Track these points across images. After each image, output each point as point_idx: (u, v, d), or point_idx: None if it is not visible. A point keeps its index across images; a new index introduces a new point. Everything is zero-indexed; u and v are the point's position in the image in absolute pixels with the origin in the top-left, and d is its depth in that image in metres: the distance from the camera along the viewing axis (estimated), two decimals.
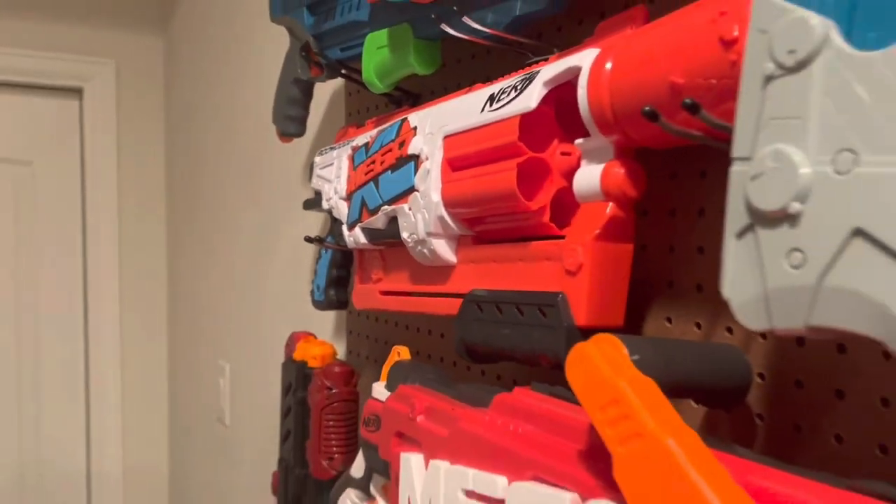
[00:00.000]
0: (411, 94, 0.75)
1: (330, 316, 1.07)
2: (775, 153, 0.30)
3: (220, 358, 1.59)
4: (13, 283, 1.95)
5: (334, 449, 0.78)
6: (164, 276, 2.06)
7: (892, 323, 0.27)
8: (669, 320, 0.49)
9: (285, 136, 0.85)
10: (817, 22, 0.29)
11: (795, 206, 0.30)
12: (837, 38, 0.29)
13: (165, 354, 2.06)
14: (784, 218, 0.30)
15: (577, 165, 0.49)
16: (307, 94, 0.83)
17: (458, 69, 0.70)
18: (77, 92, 1.97)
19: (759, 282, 0.31)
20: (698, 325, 0.48)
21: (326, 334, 1.06)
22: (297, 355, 0.84)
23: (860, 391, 0.39)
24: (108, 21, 1.98)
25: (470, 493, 0.48)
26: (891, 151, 0.27)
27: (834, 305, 0.29)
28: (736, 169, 0.32)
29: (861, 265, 0.28)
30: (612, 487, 0.37)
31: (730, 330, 0.45)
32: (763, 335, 0.44)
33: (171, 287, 2.03)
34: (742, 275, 0.32)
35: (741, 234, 0.32)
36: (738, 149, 0.32)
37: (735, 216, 0.32)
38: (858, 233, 0.28)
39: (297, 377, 0.83)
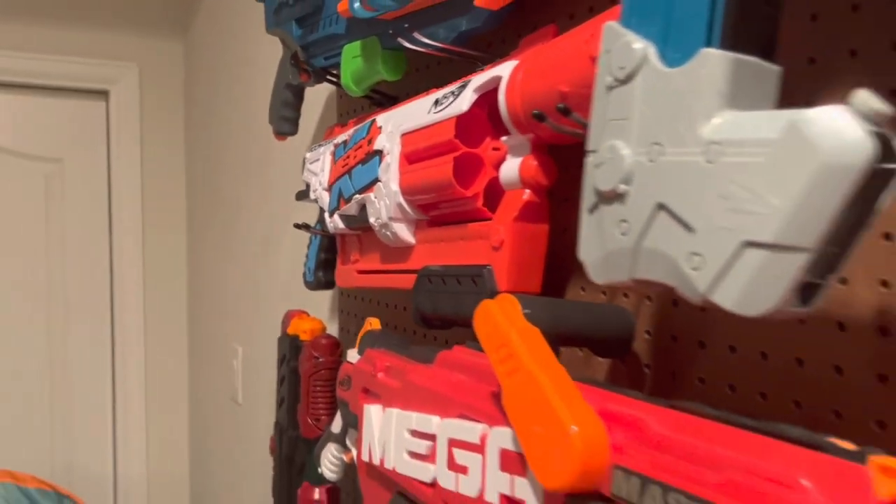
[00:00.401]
0: (389, 97, 0.83)
1: (326, 298, 1.16)
2: (610, 147, 0.39)
3: (234, 341, 1.69)
4: (45, 271, 2.07)
5: (321, 411, 0.87)
6: (184, 266, 2.17)
7: (680, 274, 0.35)
8: (583, 289, 0.58)
9: (280, 134, 0.94)
10: (639, 45, 0.38)
11: (622, 188, 0.38)
12: (654, 58, 0.37)
13: (186, 339, 2.17)
14: (615, 197, 0.39)
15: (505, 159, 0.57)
16: (298, 97, 0.92)
17: (428, 74, 0.79)
18: (103, 94, 2.08)
19: (600, 246, 0.40)
20: (604, 293, 0.56)
21: (323, 314, 1.16)
22: (291, 330, 0.94)
23: (715, 342, 0.48)
24: (132, 27, 2.08)
25: (413, 432, 0.57)
26: (682, 144, 0.35)
27: (647, 262, 0.37)
28: (588, 160, 0.41)
29: (662, 231, 0.36)
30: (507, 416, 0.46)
31: (626, 295, 0.54)
32: (649, 297, 0.52)
33: (190, 276, 2.14)
34: (590, 241, 0.41)
35: (591, 211, 0.41)
36: (589, 144, 0.41)
37: (587, 196, 0.41)
38: (661, 207, 0.36)
39: (290, 349, 0.92)
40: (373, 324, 0.76)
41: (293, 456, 0.92)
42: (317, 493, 0.88)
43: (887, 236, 0.39)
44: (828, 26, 0.42)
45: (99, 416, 2.14)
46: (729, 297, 0.33)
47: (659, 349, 0.52)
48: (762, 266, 0.32)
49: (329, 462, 0.80)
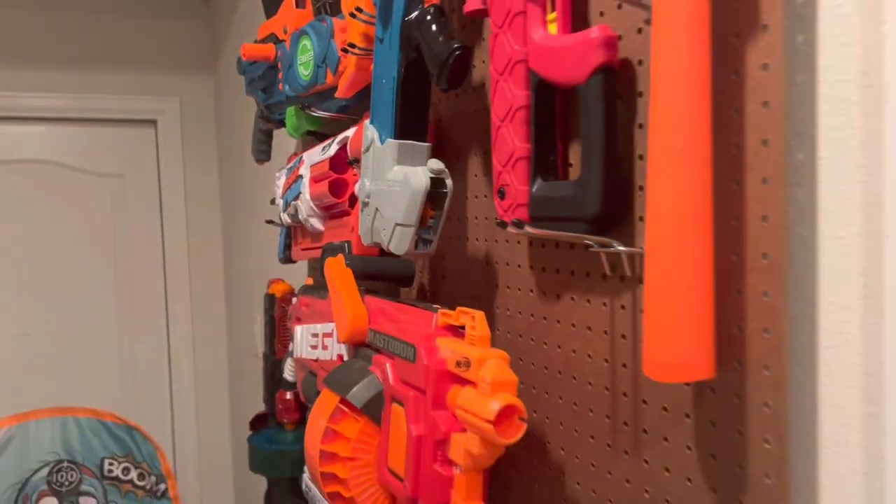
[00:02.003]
0: (320, 135, 1.23)
1: (304, 272, 1.57)
2: (363, 182, 0.79)
3: (255, 312, 2.12)
4: (113, 261, 2.52)
5: (286, 340, 1.28)
6: (220, 258, 2.60)
7: (381, 238, 0.75)
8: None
9: (259, 161, 1.35)
10: (371, 132, 0.77)
11: (366, 199, 0.78)
12: (377, 139, 0.77)
13: (223, 311, 2.61)
14: (366, 204, 0.78)
15: None
16: (269, 136, 1.33)
17: (342, 125, 1.19)
18: (153, 123, 2.51)
19: (364, 225, 0.80)
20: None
21: (300, 280, 1.57)
22: (270, 291, 1.35)
23: (454, 273, 0.87)
24: (173, 69, 2.51)
25: (312, 335, 0.98)
26: (382, 180, 0.75)
27: (374, 233, 0.77)
28: (364, 186, 0.81)
29: (377, 220, 0.76)
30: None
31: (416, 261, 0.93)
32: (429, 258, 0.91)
33: (226, 265, 2.57)
34: (363, 224, 0.80)
35: (362, 210, 0.80)
36: (364, 178, 0.81)
37: (360, 203, 0.81)
38: (377, 209, 0.76)
39: (268, 303, 1.33)
40: (308, 282, 1.17)
41: (273, 372, 1.34)
42: (288, 395, 1.29)
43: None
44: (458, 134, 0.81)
45: (158, 370, 2.58)
46: (394, 247, 0.73)
47: (431, 282, 0.91)
48: (401, 233, 0.71)
49: (289, 369, 1.21)
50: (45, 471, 2.01)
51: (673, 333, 0.45)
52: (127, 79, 2.46)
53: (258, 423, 1.40)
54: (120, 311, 2.53)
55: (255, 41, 1.24)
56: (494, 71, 0.63)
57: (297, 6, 1.12)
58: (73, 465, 2.04)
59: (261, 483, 2.12)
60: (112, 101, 2.45)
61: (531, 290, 0.69)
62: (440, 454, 0.64)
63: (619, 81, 0.54)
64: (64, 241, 2.46)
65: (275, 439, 1.31)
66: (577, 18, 0.58)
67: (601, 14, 0.57)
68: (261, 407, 2.05)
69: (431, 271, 0.92)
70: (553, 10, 0.58)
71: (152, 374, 2.57)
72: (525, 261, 0.70)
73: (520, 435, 0.57)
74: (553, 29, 0.58)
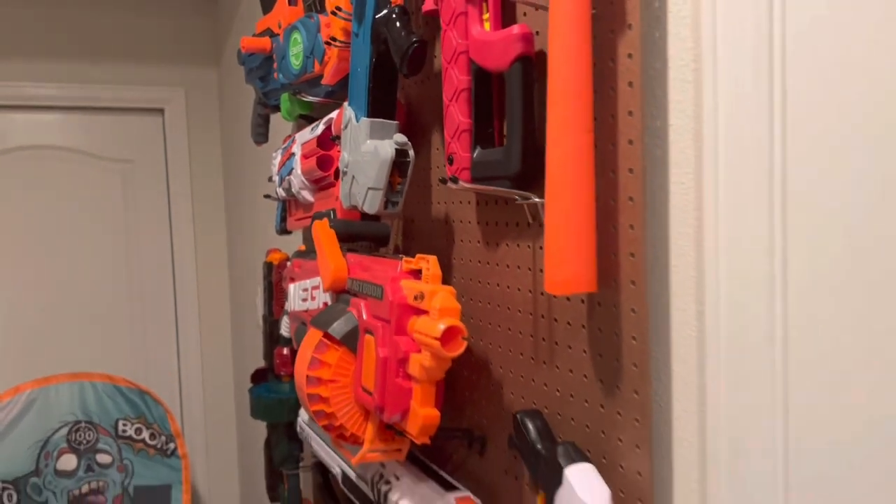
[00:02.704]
0: (310, 118, 1.36)
1: (299, 241, 1.70)
2: (343, 155, 0.92)
3: (257, 285, 2.25)
4: (124, 240, 2.65)
5: (283, 301, 1.42)
6: (224, 235, 2.73)
7: (357, 201, 0.88)
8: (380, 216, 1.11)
9: (257, 143, 1.49)
10: (349, 112, 0.91)
11: (345, 169, 0.91)
12: (353, 119, 0.90)
13: (227, 284, 2.74)
14: (346, 171, 0.92)
15: None
16: (266, 120, 1.46)
17: (329, 109, 1.32)
18: (160, 111, 2.64)
19: (343, 190, 0.93)
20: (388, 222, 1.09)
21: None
22: (268, 259, 1.48)
23: (421, 238, 1.00)
24: (179, 62, 2.64)
25: (304, 290, 1.12)
26: (357, 153, 0.88)
27: (353, 197, 0.90)
28: (344, 158, 0.94)
29: (354, 185, 0.89)
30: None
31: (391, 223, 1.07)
32: (402, 220, 1.05)
33: (229, 240, 2.70)
34: (342, 190, 0.94)
35: (342, 178, 0.94)
36: (344, 151, 0.94)
37: (341, 171, 0.94)
38: (353, 176, 0.89)
39: (267, 270, 1.47)
40: (301, 248, 1.30)
41: (272, 331, 1.47)
42: (285, 350, 1.43)
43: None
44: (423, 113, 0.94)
45: (166, 338, 2.72)
46: (367, 207, 0.86)
47: (404, 241, 1.05)
48: (372, 196, 0.85)
49: (284, 326, 1.35)
50: (65, 430, 2.16)
51: (565, 258, 0.58)
52: (136, 70, 2.58)
53: (258, 376, 1.54)
54: (131, 285, 2.67)
55: (255, 34, 1.37)
56: (444, 60, 0.76)
57: (290, 4, 1.25)
58: (90, 426, 2.18)
59: (260, 439, 2.27)
60: (123, 91, 2.57)
61: (478, 241, 0.83)
62: (401, 371, 0.78)
63: (535, 68, 0.67)
64: (78, 221, 2.59)
65: (273, 389, 1.45)
66: (506, 18, 0.71)
67: (524, 14, 0.70)
68: (262, 365, 2.19)
69: (404, 232, 1.05)
70: (487, 11, 0.71)
71: (161, 342, 2.71)
72: (474, 218, 0.83)
73: (461, 350, 0.71)
74: (487, 26, 0.71)
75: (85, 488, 2.12)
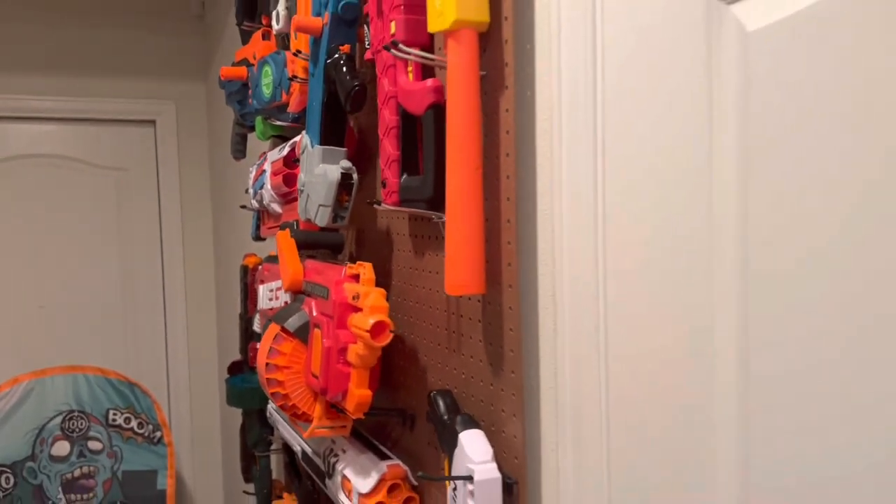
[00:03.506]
0: (282, 137, 1.51)
1: (272, 247, 1.84)
2: (301, 175, 1.06)
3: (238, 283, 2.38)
4: (117, 242, 2.78)
5: (257, 302, 1.56)
6: (210, 237, 2.86)
7: (310, 215, 1.03)
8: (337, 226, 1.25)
9: (236, 158, 1.62)
10: (306, 139, 1.05)
11: (302, 188, 1.05)
12: (309, 145, 1.05)
13: (213, 284, 2.87)
14: (302, 189, 1.06)
15: None
16: (244, 139, 1.60)
17: (296, 132, 1.46)
18: (152, 122, 2.77)
19: (303, 207, 1.07)
20: (341, 230, 1.23)
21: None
22: (244, 263, 1.62)
23: (373, 246, 1.14)
24: (170, 76, 2.77)
25: (271, 290, 1.26)
26: (311, 175, 1.03)
27: (307, 212, 1.05)
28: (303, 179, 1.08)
29: (308, 202, 1.04)
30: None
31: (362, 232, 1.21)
32: (337, 229, 1.19)
33: (215, 248, 2.83)
34: (301, 206, 1.08)
35: (300, 194, 1.08)
36: (301, 172, 1.08)
37: (300, 190, 1.08)
38: (308, 195, 1.04)
39: (243, 272, 1.61)
40: (272, 253, 1.44)
41: (247, 327, 1.61)
42: (258, 345, 1.57)
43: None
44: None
45: (156, 334, 2.85)
46: (318, 221, 1.01)
47: (357, 249, 1.19)
48: (322, 211, 0.99)
49: (257, 323, 1.49)
50: (59, 419, 2.28)
51: (460, 266, 0.73)
52: (130, 84, 2.71)
53: (234, 368, 1.68)
54: (123, 284, 2.79)
55: (234, 62, 1.52)
56: (379, 101, 0.91)
57: (264, 38, 1.39)
58: (82, 415, 2.31)
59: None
60: (117, 104, 2.70)
61: (410, 251, 0.97)
62: (342, 358, 0.92)
63: (444, 115, 0.82)
64: (74, 225, 2.72)
65: (247, 380, 1.58)
66: (426, 72, 0.86)
67: (441, 69, 0.84)
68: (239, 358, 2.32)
69: (357, 241, 1.19)
70: (411, 64, 0.85)
71: (151, 338, 2.83)
72: (407, 231, 0.98)
73: (388, 340, 0.85)
74: (410, 77, 0.85)
75: (77, 472, 2.25)
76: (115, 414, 2.33)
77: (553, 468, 0.70)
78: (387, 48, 0.82)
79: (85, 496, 2.23)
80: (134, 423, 2.34)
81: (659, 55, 0.54)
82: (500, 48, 0.72)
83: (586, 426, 0.65)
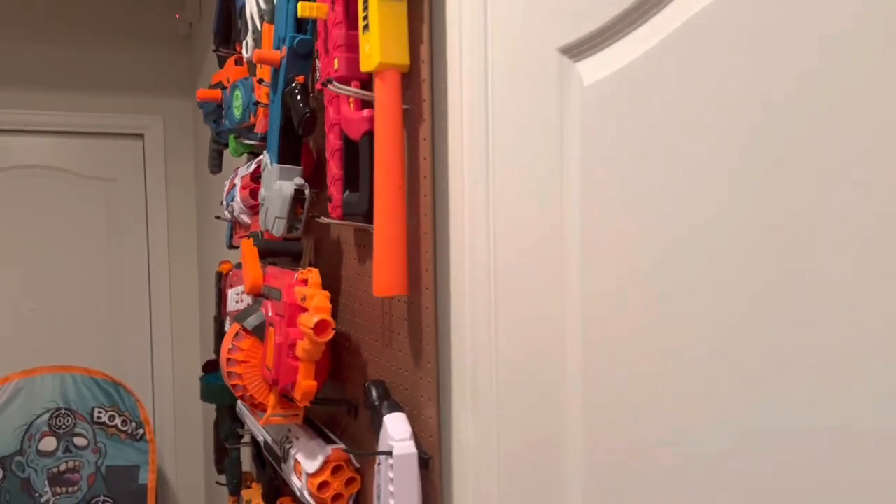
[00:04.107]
0: (256, 154, 1.61)
1: None
2: (262, 191, 1.17)
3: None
4: (106, 249, 2.87)
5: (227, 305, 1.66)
6: (194, 246, 2.96)
7: (268, 226, 1.13)
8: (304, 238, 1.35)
9: (213, 172, 1.73)
10: (267, 157, 1.16)
11: (262, 201, 1.16)
12: (269, 163, 1.15)
13: (197, 289, 2.97)
14: (263, 203, 1.17)
15: None
16: (220, 154, 1.71)
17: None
18: (141, 136, 2.87)
19: (263, 219, 1.18)
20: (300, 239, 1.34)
21: None
22: (219, 269, 1.72)
23: (329, 257, 1.25)
24: (159, 91, 2.87)
25: (238, 294, 1.36)
26: (270, 189, 1.13)
27: (265, 223, 1.15)
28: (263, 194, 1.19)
29: (268, 214, 1.14)
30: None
31: (304, 239, 1.31)
32: (298, 238, 1.30)
33: (199, 254, 2.93)
34: (262, 217, 1.19)
35: (261, 207, 1.19)
36: (262, 188, 1.19)
37: (261, 202, 1.19)
38: (267, 208, 1.14)
39: (218, 278, 1.71)
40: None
41: (220, 330, 1.71)
42: None
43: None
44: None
45: (141, 337, 2.94)
46: (275, 231, 1.11)
47: (315, 257, 1.29)
48: (279, 223, 1.10)
49: (228, 325, 1.59)
50: (47, 416, 2.37)
51: (386, 271, 0.83)
52: (120, 100, 2.82)
53: (209, 367, 1.78)
54: (111, 289, 2.89)
55: (211, 85, 1.62)
56: (326, 127, 1.01)
57: (237, 64, 1.50)
58: (69, 412, 2.40)
59: None
60: (108, 118, 2.80)
61: (355, 258, 1.08)
62: (291, 353, 1.02)
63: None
64: (65, 232, 2.81)
65: (220, 378, 1.68)
66: (366, 102, 0.97)
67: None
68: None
69: (315, 250, 1.30)
70: (351, 96, 0.96)
71: (137, 340, 2.92)
72: (353, 241, 1.08)
73: (329, 337, 0.95)
74: (352, 107, 0.96)
75: (63, 467, 2.33)
76: (100, 412, 2.41)
77: (460, 445, 0.80)
78: (324, 84, 0.93)
79: (70, 489, 2.32)
80: (118, 421, 2.43)
81: (530, 104, 0.65)
82: (420, 86, 0.83)
83: (482, 408, 0.75)
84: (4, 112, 2.67)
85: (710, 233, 0.46)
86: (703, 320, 0.47)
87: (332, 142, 0.99)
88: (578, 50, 0.59)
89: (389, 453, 0.82)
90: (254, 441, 1.57)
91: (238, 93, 1.39)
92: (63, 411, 2.37)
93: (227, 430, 1.65)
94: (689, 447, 0.49)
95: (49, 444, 2.34)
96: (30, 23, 2.71)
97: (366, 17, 0.83)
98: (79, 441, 2.38)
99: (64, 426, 2.36)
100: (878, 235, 0.36)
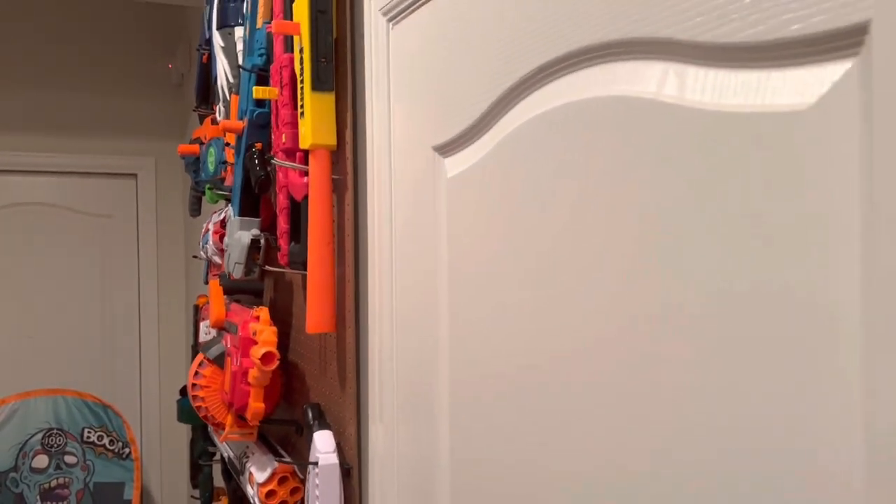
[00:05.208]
0: (229, 202, 1.76)
1: None
2: (226, 238, 1.32)
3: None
4: (100, 278, 3.01)
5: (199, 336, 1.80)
6: (182, 279, 3.10)
7: (229, 269, 1.28)
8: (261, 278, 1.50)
9: (192, 216, 1.88)
10: (230, 210, 1.31)
11: (226, 248, 1.31)
12: (232, 214, 1.30)
13: (183, 315, 3.10)
14: (226, 249, 1.32)
15: None
16: (199, 200, 1.86)
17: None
18: (134, 176, 3.03)
19: (226, 262, 1.33)
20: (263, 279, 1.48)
21: None
22: (196, 303, 1.87)
23: (282, 295, 1.40)
24: (151, 135, 3.04)
25: (207, 327, 1.50)
26: (231, 237, 1.28)
27: (229, 267, 1.30)
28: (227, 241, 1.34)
29: (229, 258, 1.29)
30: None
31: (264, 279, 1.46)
32: (273, 280, 1.44)
33: (186, 284, 3.07)
34: (225, 261, 1.34)
35: (225, 252, 1.34)
36: (226, 238, 1.34)
37: (225, 248, 1.34)
38: (229, 254, 1.29)
39: (195, 311, 1.85)
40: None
41: (196, 348, 1.85)
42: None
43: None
44: None
45: (131, 363, 3.06)
46: (235, 274, 1.26)
47: (274, 295, 1.44)
48: (238, 267, 1.25)
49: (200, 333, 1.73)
50: (40, 436, 2.49)
51: (316, 311, 0.98)
52: (116, 142, 2.98)
53: (185, 391, 1.91)
54: (103, 317, 3.02)
55: (191, 139, 1.78)
56: (277, 188, 1.17)
57: (213, 123, 1.66)
58: (60, 432, 2.52)
59: None
60: (104, 160, 2.96)
61: (302, 298, 1.23)
62: (244, 380, 1.17)
63: None
64: (62, 265, 2.95)
65: None
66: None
67: None
68: None
69: (275, 289, 1.45)
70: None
71: (127, 366, 3.05)
72: (300, 283, 1.23)
73: (274, 366, 1.10)
74: (296, 173, 1.12)
75: (53, 483, 2.45)
76: (89, 432, 2.53)
77: (374, 456, 0.95)
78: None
79: None
80: (106, 441, 2.55)
81: (417, 186, 0.81)
82: (345, 161, 0.99)
83: (387, 424, 0.90)
84: (8, 154, 2.83)
85: (526, 282, 0.62)
86: (537, 350, 0.62)
87: (281, 201, 1.15)
88: (444, 149, 0.75)
89: (316, 464, 0.97)
90: (223, 458, 1.71)
91: (212, 150, 1.55)
92: (55, 431, 2.49)
93: (201, 448, 1.78)
94: (537, 470, 0.64)
95: (41, 461, 2.45)
96: (32, 71, 2.87)
97: (302, 106, 0.99)
98: (69, 459, 2.49)
99: (56, 445, 2.48)
100: (636, 279, 0.51)
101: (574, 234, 0.54)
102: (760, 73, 0.38)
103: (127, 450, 2.55)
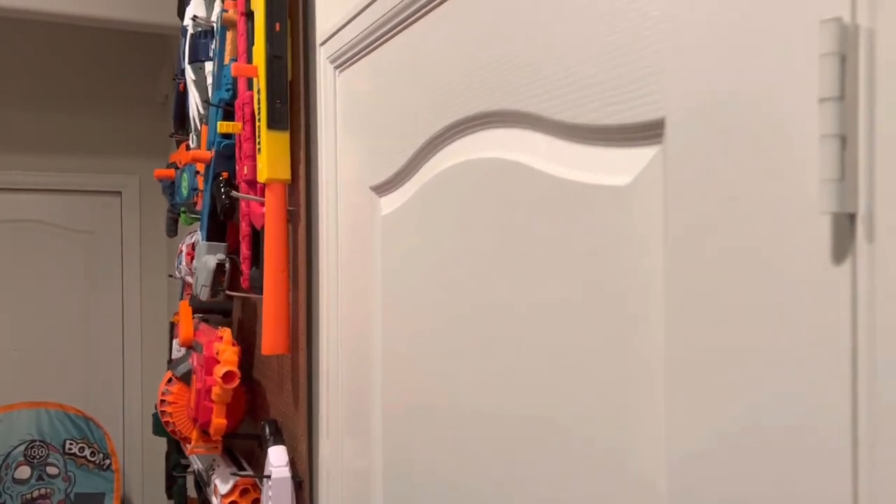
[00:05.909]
0: None
1: None
2: (195, 262, 1.37)
3: None
4: (84, 292, 3.04)
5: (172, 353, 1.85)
6: (165, 295, 3.14)
7: (198, 292, 1.34)
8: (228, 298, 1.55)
9: (169, 236, 1.93)
10: (199, 235, 1.36)
11: (194, 270, 1.36)
12: (200, 239, 1.36)
13: (166, 328, 3.14)
14: (194, 272, 1.37)
15: None
16: (175, 222, 1.91)
17: None
18: (119, 193, 3.07)
19: (195, 284, 1.38)
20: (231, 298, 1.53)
21: None
22: (173, 320, 1.92)
23: (248, 315, 1.45)
24: (136, 154, 3.08)
25: (178, 345, 1.55)
26: (199, 261, 1.34)
27: (197, 290, 1.35)
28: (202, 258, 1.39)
29: (197, 283, 1.35)
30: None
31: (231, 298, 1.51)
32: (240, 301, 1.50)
33: (168, 302, 3.11)
34: (194, 283, 1.39)
35: (194, 275, 1.39)
36: (195, 261, 1.39)
37: (193, 270, 1.39)
38: (197, 276, 1.35)
39: (171, 327, 1.90)
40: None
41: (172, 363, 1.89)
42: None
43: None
44: None
45: (114, 376, 3.10)
46: (202, 296, 1.31)
47: (241, 315, 1.49)
48: (205, 289, 1.30)
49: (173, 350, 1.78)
50: (23, 447, 2.52)
51: (271, 334, 1.04)
52: (101, 160, 3.02)
53: None
54: (88, 331, 3.06)
55: (167, 164, 1.84)
56: (241, 216, 1.22)
57: (187, 149, 1.72)
58: (42, 444, 2.55)
59: None
60: (89, 178, 3.01)
61: None
62: (207, 396, 1.22)
63: None
64: (47, 280, 2.99)
65: None
66: None
67: None
68: None
69: (243, 309, 1.50)
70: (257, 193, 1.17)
71: (110, 379, 3.08)
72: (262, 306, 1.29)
73: (235, 384, 1.15)
74: (257, 202, 1.17)
75: (35, 493, 2.47)
76: (71, 444, 2.56)
77: (323, 469, 1.00)
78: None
79: None
80: (87, 452, 2.58)
81: (357, 221, 0.87)
82: (299, 194, 1.05)
83: (332, 440, 0.95)
84: None
85: (440, 311, 0.68)
86: (451, 369, 0.68)
87: (244, 228, 1.20)
88: (380, 189, 0.81)
89: (269, 477, 1.02)
90: (196, 470, 1.75)
91: (185, 176, 1.60)
92: (38, 443, 2.52)
93: (175, 460, 1.82)
94: (459, 485, 0.69)
95: (24, 472, 2.48)
96: (19, 92, 2.92)
97: (259, 142, 1.05)
98: (51, 470, 2.52)
99: (38, 456, 2.51)
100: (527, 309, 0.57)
101: (472, 269, 0.60)
102: (604, 149, 0.44)
103: (108, 461, 2.58)
